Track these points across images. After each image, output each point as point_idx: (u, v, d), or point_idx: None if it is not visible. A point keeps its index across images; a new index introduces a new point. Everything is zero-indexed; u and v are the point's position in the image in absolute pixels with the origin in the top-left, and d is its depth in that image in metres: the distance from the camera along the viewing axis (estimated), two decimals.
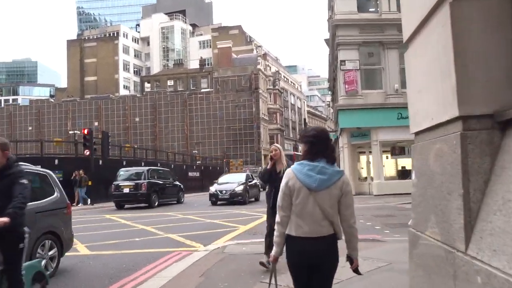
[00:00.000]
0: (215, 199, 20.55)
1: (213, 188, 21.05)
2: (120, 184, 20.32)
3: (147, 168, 22.13)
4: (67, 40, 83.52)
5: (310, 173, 2.76)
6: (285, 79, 79.25)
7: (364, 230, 10.29)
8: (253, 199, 22.60)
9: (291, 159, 21.82)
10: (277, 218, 2.89)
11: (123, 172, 21.54)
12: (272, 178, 5.90)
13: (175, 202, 22.72)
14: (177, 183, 23.50)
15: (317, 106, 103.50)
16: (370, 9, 22.00)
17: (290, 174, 2.87)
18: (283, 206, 2.85)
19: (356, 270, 2.98)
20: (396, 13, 21.24)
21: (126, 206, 20.74)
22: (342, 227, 2.85)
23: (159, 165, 30.26)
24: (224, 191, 20.33)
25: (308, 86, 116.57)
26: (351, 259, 2.92)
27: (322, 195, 2.76)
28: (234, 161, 47.15)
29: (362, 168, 23.35)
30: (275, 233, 2.90)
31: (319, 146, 2.84)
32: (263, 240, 6.45)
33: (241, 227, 11.70)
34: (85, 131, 23.02)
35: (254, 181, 23.07)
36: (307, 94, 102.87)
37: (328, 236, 2.79)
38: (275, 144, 6.67)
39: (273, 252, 2.95)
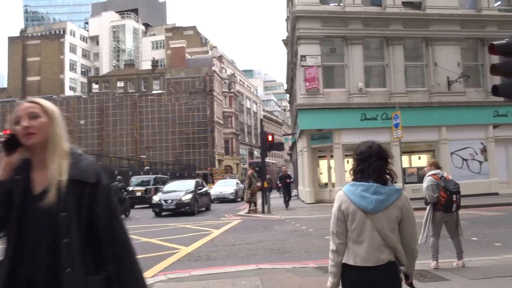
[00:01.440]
0: (158, 210, 17.98)
1: (156, 197, 18.43)
2: None
3: None
4: (8, 37, 77.41)
5: (364, 194, 2.48)
6: (241, 82, 77.32)
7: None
8: (203, 209, 20.26)
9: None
10: (332, 246, 2.62)
11: None
12: None
13: None
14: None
15: (273, 110, 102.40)
16: (333, 2, 20.32)
17: (342, 197, 2.60)
18: (337, 232, 2.58)
19: (410, 285, 2.69)
20: (361, 6, 19.71)
21: None
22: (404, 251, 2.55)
23: None
24: (170, 201, 17.80)
25: (264, 90, 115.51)
26: (406, 276, 2.65)
27: (380, 218, 2.47)
28: (216, 169, 45.91)
29: (322, 173, 21.56)
30: (330, 262, 2.63)
31: (366, 163, 2.53)
32: (207, 270, 5.39)
33: (183, 249, 9.36)
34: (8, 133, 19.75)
35: (205, 189, 20.72)
36: (263, 98, 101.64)
37: (388, 263, 2.48)
38: None
39: (329, 284, 2.63)
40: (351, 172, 2.65)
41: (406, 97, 19.71)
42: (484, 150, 20.44)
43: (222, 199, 26.68)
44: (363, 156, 2.56)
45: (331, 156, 19.96)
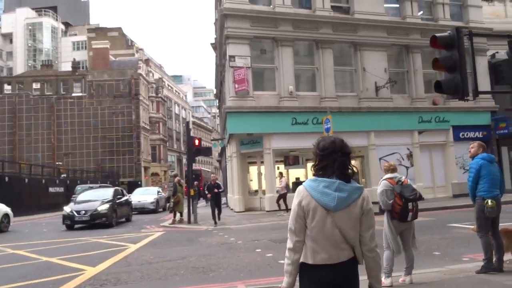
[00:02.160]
0: (70, 222, 15.94)
1: (68, 208, 16.33)
2: None
3: None
4: None
5: (326, 190, 2.39)
6: (170, 87, 74.99)
7: (266, 268, 7.31)
8: (123, 220, 18.47)
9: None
10: (289, 244, 2.49)
11: None
12: None
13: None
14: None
15: (203, 117, 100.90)
16: (263, 2, 19.62)
17: (303, 192, 2.48)
18: (296, 229, 2.47)
19: None
20: (290, 7, 19.21)
21: None
22: (362, 251, 2.47)
23: (7, 179, 24.31)
24: (83, 212, 15.84)
25: (193, 97, 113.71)
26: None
27: (341, 216, 2.41)
28: (154, 178, 42.80)
29: (252, 180, 20.67)
30: (286, 260, 2.50)
31: (329, 159, 2.43)
32: None
33: (88, 270, 7.85)
34: None
35: (125, 198, 18.93)
36: (192, 105, 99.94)
37: (348, 261, 2.44)
38: None
39: (284, 284, 2.50)
40: (313, 168, 2.55)
41: (336, 101, 19.48)
42: (410, 156, 20.78)
43: (141, 210, 23.75)
44: (327, 152, 2.47)
45: (262, 162, 19.15)
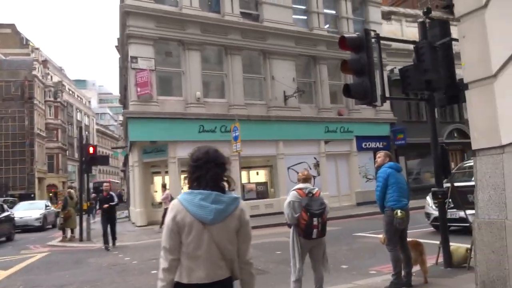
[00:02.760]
0: None
1: None
2: None
3: None
4: None
5: (203, 203, 2.26)
6: (71, 92, 69.87)
7: None
8: (3, 239, 16.08)
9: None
10: (164, 264, 2.30)
11: None
12: None
13: None
14: None
15: (109, 125, 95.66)
16: (169, 2, 18.56)
17: (177, 207, 2.32)
18: (171, 247, 2.29)
19: None
20: (199, 10, 18.40)
21: None
22: (238, 264, 2.39)
23: None
24: None
25: (98, 103, 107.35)
26: None
27: (219, 229, 2.28)
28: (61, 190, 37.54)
29: (156, 191, 19.29)
30: (160, 283, 2.30)
31: (203, 170, 2.34)
32: None
33: None
34: None
35: (4, 214, 16.49)
36: (97, 111, 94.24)
37: (225, 279, 2.33)
38: None
39: None
40: (187, 180, 2.43)
41: (245, 109, 18.99)
42: (317, 165, 20.95)
43: (24, 227, 20.02)
44: (200, 162, 2.38)
45: (166, 172, 17.92)
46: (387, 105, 23.66)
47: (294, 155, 20.15)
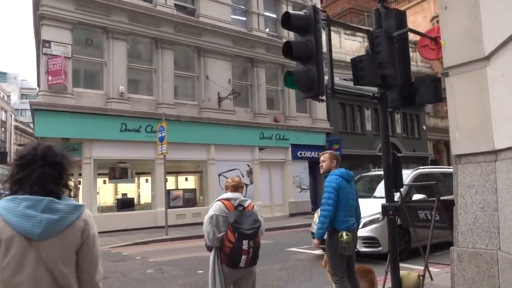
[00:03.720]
0: None
1: None
2: None
3: None
4: None
5: (30, 212, 1.76)
6: None
7: None
8: None
9: None
10: None
11: None
12: None
13: None
14: None
15: (30, 122, 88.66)
16: None
17: None
18: None
19: None
20: None
21: None
22: None
23: None
24: None
25: (20, 98, 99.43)
26: None
27: (51, 247, 1.78)
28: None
29: (71, 196, 17.02)
30: None
31: (26, 170, 1.86)
32: None
33: None
34: None
35: None
36: (17, 107, 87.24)
37: None
38: None
39: None
40: (8, 183, 1.92)
41: (175, 109, 17.40)
42: (250, 173, 19.79)
43: None
44: (24, 161, 1.91)
45: (80, 174, 15.82)
46: (323, 114, 23.22)
47: (226, 161, 18.85)
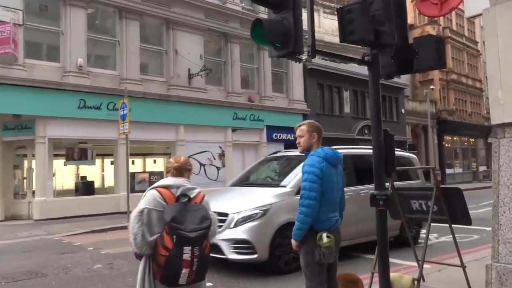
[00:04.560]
0: None
1: None
2: None
3: None
4: None
5: None
6: None
7: None
8: None
9: None
10: None
11: None
12: None
13: None
14: None
15: None
16: None
17: None
18: None
19: None
20: None
21: None
22: None
23: None
24: None
25: None
26: None
27: None
28: None
29: (26, 178, 15.55)
30: None
31: None
32: None
33: None
34: None
35: None
36: None
37: None
38: None
39: None
40: None
41: (140, 85, 16.03)
42: (222, 155, 18.67)
43: None
44: None
45: (33, 155, 14.38)
46: (300, 95, 22.19)
47: (197, 142, 17.66)
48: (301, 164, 6.48)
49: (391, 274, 4.65)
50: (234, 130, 19.08)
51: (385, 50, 4.50)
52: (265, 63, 20.61)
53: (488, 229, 10.51)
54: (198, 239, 2.60)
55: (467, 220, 4.82)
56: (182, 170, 2.97)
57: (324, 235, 3.31)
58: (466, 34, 36.21)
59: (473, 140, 37.09)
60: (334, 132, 23.10)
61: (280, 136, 20.68)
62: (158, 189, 2.82)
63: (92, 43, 15.42)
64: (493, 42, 2.30)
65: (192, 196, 2.81)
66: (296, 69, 22.08)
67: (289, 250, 5.73)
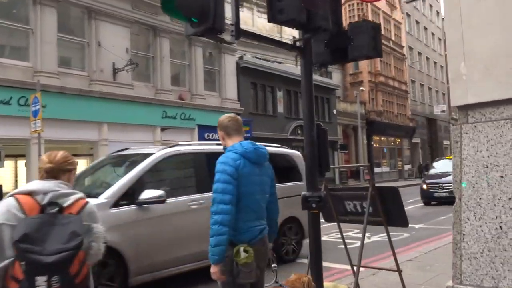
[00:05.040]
0: None
1: None
2: None
3: None
4: None
5: None
6: None
7: None
8: None
9: None
10: None
11: None
12: None
13: None
14: None
15: None
16: None
17: None
18: None
19: None
20: None
21: None
22: None
23: None
24: None
25: None
26: None
27: None
28: None
29: None
30: None
31: None
32: None
33: None
34: None
35: None
36: None
37: None
38: None
39: None
40: None
41: (57, 79, 14.61)
42: None
43: None
44: None
45: None
46: (233, 94, 21.70)
47: (122, 141, 16.28)
48: (141, 166, 5.37)
49: (325, 284, 4.20)
50: (163, 129, 18.11)
51: (319, 34, 4.02)
52: (197, 60, 19.87)
53: (417, 226, 10.64)
54: (59, 265, 1.88)
55: (403, 222, 4.49)
56: (57, 172, 2.24)
57: (242, 249, 2.70)
58: (393, 38, 37.79)
59: (399, 140, 38.76)
60: (268, 132, 22.90)
61: (212, 135, 20.00)
62: (17, 196, 2.07)
63: (1, 31, 13.79)
64: (454, 3, 1.85)
65: (65, 204, 2.09)
66: (229, 67, 21.56)
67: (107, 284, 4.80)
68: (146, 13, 17.69)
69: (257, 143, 3.10)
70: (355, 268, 4.66)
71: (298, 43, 4.18)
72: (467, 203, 1.66)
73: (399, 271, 4.55)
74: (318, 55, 4.38)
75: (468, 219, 1.66)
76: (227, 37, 3.40)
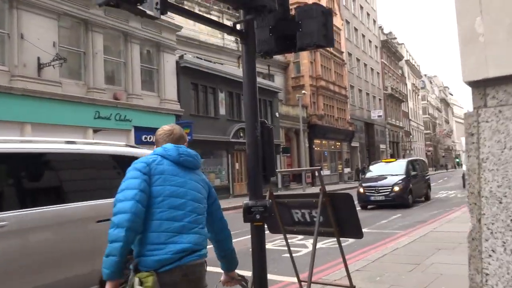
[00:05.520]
0: None
1: None
2: None
3: None
4: None
5: None
6: None
7: None
8: None
9: None
10: None
11: None
12: None
13: None
14: None
15: None
16: None
17: None
18: None
19: None
20: None
21: None
22: None
23: None
24: None
25: None
26: None
27: None
28: None
29: None
30: None
31: None
32: None
33: None
34: None
35: None
36: None
37: None
38: None
39: None
40: None
41: None
42: None
43: None
44: None
45: None
46: (173, 94, 20.77)
47: None
48: None
49: None
50: (96, 130, 16.82)
51: (263, 15, 3.43)
52: (134, 57, 18.75)
53: (365, 230, 10.39)
54: None
55: (357, 232, 3.99)
56: None
57: (136, 280, 1.93)
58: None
59: (339, 143, 39.42)
60: (209, 134, 22.16)
61: (150, 138, 18.92)
62: None
63: None
64: None
65: None
66: (168, 67, 20.60)
67: None
68: (76, 5, 16.36)
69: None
70: (303, 285, 4.12)
71: (238, 26, 3.58)
72: (490, 226, 1.13)
73: (353, 287, 4.06)
74: (263, 43, 3.79)
75: (493, 251, 1.13)
76: (148, 10, 2.72)
